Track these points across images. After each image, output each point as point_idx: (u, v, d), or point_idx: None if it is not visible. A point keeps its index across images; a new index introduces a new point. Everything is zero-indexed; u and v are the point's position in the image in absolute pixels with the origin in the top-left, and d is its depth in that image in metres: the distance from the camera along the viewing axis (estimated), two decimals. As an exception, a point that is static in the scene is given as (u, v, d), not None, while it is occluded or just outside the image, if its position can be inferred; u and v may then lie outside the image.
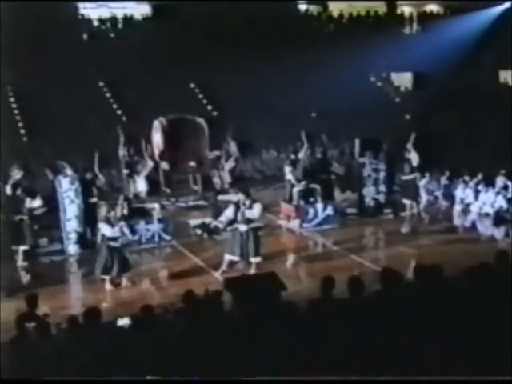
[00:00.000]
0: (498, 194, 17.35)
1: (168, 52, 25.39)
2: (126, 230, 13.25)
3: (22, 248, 14.44)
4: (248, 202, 13.23)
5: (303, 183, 17.21)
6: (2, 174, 16.62)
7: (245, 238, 13.12)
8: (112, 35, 29.03)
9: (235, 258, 13.31)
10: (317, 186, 17.21)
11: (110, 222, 12.93)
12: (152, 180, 18.39)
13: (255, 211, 13.22)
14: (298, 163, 17.61)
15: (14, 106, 24.04)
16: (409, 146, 17.09)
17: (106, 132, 20.80)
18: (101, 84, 25.68)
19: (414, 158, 17.06)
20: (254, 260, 13.22)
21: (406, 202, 17.25)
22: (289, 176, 17.54)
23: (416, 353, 5.48)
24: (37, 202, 15.18)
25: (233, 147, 18.81)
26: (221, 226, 14.37)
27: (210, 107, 25.53)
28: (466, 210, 17.88)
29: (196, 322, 6.34)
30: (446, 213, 18.04)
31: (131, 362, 5.68)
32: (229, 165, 18.34)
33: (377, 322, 5.84)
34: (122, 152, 17.75)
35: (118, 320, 8.66)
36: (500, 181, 17.56)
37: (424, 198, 18.18)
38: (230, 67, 24.65)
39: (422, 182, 18.08)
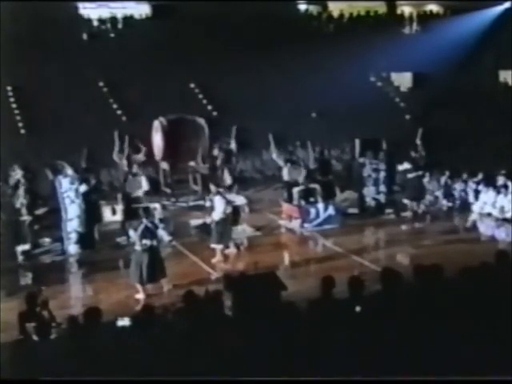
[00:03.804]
0: (498, 193, 17.36)
1: (168, 52, 25.37)
2: (165, 235, 13.20)
3: (23, 248, 14.45)
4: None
5: (303, 183, 17.23)
6: (2, 173, 16.65)
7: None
8: (112, 35, 29.00)
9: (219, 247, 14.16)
10: (317, 186, 17.22)
11: (149, 229, 12.49)
12: (152, 180, 18.37)
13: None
14: (296, 163, 17.66)
15: (13, 105, 24.04)
16: (418, 141, 17.15)
17: (105, 132, 20.78)
18: (101, 84, 25.67)
19: (420, 154, 17.11)
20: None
21: (407, 202, 17.33)
22: (286, 176, 17.57)
23: (416, 353, 5.48)
24: (40, 210, 15.24)
25: (233, 148, 18.85)
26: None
27: (210, 107, 25.53)
28: (467, 210, 17.88)
29: (196, 322, 6.34)
30: (447, 213, 18.05)
31: (131, 362, 5.68)
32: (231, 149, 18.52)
33: (377, 321, 5.84)
34: (117, 158, 17.61)
35: (118, 320, 8.66)
36: (500, 181, 17.58)
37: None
38: (230, 67, 24.64)
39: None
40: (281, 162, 17.97)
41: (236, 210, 15.58)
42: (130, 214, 15.38)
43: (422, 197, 17.79)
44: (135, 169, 16.95)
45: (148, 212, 13.63)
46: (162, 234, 13.10)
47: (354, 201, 17.92)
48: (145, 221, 12.56)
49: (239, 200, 16.90)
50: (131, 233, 12.67)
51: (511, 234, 15.77)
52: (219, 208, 14.19)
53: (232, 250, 14.57)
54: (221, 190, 15.00)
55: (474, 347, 5.49)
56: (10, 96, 24.32)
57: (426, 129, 18.22)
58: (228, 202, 14.46)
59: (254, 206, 18.26)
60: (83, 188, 15.23)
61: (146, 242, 12.34)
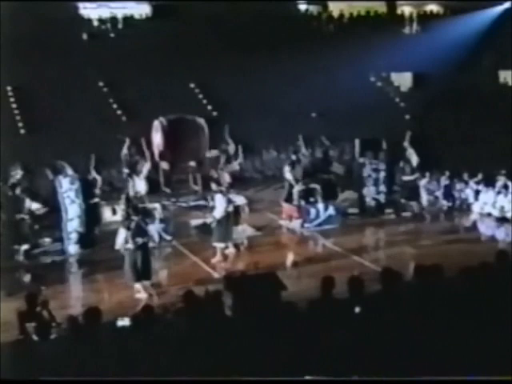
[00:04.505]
0: (498, 193, 17.36)
1: (168, 52, 25.37)
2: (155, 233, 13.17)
3: (23, 248, 14.45)
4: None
5: (303, 183, 17.23)
6: (1, 173, 16.65)
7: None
8: (112, 35, 29.00)
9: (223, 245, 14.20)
10: (317, 186, 17.22)
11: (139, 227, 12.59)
12: (152, 180, 18.40)
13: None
14: (298, 163, 17.64)
15: (14, 105, 24.04)
16: (405, 144, 17.27)
17: (106, 132, 20.81)
18: (101, 84, 25.68)
19: (412, 155, 17.25)
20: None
21: (403, 201, 17.37)
22: (288, 176, 17.56)
23: (416, 353, 5.48)
24: (35, 205, 15.20)
25: (232, 149, 18.83)
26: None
27: (209, 107, 25.52)
28: (467, 210, 17.90)
29: (196, 322, 6.34)
30: (447, 213, 18.06)
31: (131, 362, 5.68)
32: (232, 167, 18.35)
33: (377, 321, 5.84)
34: (124, 151, 17.77)
35: (118, 320, 8.65)
36: (500, 181, 17.58)
37: (424, 198, 18.23)
38: (230, 67, 24.64)
39: (422, 182, 18.15)
40: (291, 178, 17.71)
41: (236, 210, 15.59)
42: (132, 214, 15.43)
43: (417, 197, 17.84)
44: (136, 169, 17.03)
45: (137, 210, 13.63)
46: (154, 231, 13.11)
47: (354, 201, 17.92)
48: (136, 218, 12.58)
49: (239, 200, 16.90)
50: (122, 231, 12.64)
51: (511, 233, 15.78)
52: (220, 206, 14.21)
53: (231, 250, 14.57)
54: (222, 188, 14.99)
55: (474, 347, 5.49)
56: (10, 96, 24.32)
57: (425, 129, 18.23)
58: (229, 201, 14.48)
59: (254, 205, 18.27)
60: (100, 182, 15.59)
61: (139, 239, 12.38)
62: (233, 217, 14.66)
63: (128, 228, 12.48)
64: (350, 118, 22.45)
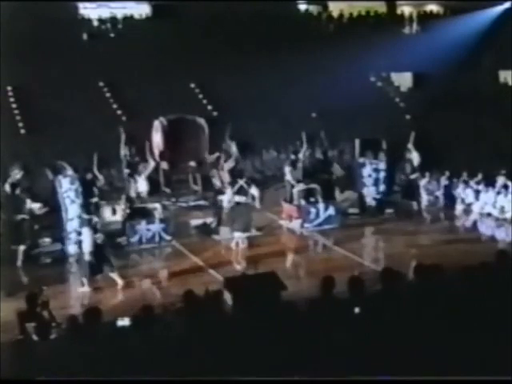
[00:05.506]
0: (498, 193, 17.37)
1: (168, 52, 25.36)
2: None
3: (23, 248, 14.44)
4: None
5: (303, 183, 17.23)
6: (1, 173, 16.65)
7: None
8: (112, 35, 28.98)
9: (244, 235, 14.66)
10: (317, 186, 17.22)
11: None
12: (152, 180, 18.40)
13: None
14: (298, 163, 17.63)
15: (13, 105, 24.02)
16: (409, 145, 17.31)
17: (106, 132, 20.79)
18: (101, 84, 25.66)
19: (415, 157, 17.30)
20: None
21: (405, 202, 17.39)
22: (289, 176, 17.55)
23: (416, 353, 5.48)
24: (37, 205, 15.21)
25: (233, 147, 18.82)
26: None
27: (210, 107, 25.50)
28: (467, 210, 17.90)
29: (196, 322, 6.34)
30: (447, 213, 18.06)
31: (131, 362, 5.68)
32: (228, 165, 18.36)
33: (377, 321, 5.84)
34: (123, 151, 17.80)
35: (118, 320, 8.65)
36: (500, 181, 17.59)
37: (424, 198, 18.24)
38: (230, 67, 24.63)
39: (422, 182, 18.18)
40: (293, 181, 17.76)
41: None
42: (133, 214, 15.51)
43: (417, 197, 17.85)
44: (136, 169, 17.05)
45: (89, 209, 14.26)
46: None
47: (354, 201, 17.93)
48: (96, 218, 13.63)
49: (241, 200, 16.89)
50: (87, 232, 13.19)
51: (511, 233, 15.78)
52: (226, 199, 14.79)
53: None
54: (244, 180, 15.15)
55: (474, 347, 5.49)
56: (10, 96, 24.30)
57: (425, 129, 18.21)
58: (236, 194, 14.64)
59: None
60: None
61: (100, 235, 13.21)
62: (233, 212, 14.70)
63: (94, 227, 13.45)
64: (350, 117, 22.43)
